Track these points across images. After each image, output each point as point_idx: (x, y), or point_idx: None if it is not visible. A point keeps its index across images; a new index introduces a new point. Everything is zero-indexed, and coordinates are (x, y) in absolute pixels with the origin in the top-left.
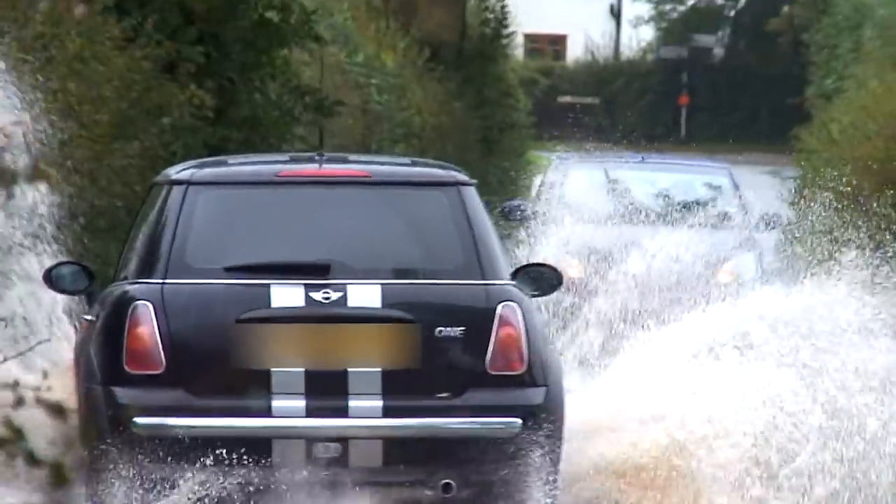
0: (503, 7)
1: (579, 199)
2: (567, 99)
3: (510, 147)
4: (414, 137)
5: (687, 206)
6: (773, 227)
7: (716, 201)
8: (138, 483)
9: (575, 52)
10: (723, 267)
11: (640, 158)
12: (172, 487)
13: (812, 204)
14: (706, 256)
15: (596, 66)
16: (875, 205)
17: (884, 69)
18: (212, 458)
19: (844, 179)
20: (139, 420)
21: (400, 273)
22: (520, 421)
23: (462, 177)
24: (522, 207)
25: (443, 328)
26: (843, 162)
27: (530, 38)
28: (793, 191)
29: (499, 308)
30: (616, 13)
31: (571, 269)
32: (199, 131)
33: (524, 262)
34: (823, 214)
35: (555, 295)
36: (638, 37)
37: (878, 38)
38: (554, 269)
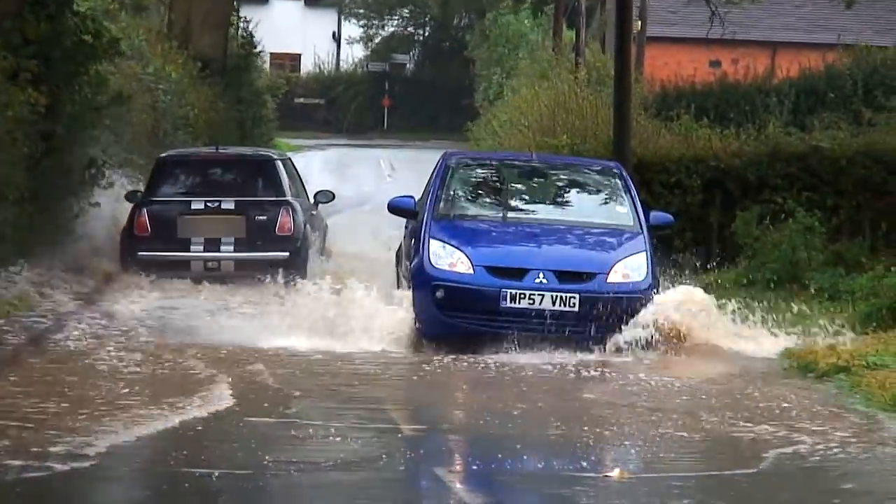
0: (252, 34)
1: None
2: (301, 100)
3: (260, 135)
4: (190, 127)
5: (572, 207)
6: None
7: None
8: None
9: (307, 66)
10: (614, 267)
11: (530, 157)
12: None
13: None
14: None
15: (322, 76)
16: None
17: (531, 80)
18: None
19: None
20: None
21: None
22: (287, 254)
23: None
24: None
25: (257, 216)
26: (503, 147)
27: (275, 56)
28: None
29: (282, 207)
30: (336, 38)
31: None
32: (34, 123)
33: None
34: None
35: None
36: (353, 55)
37: (528, 58)
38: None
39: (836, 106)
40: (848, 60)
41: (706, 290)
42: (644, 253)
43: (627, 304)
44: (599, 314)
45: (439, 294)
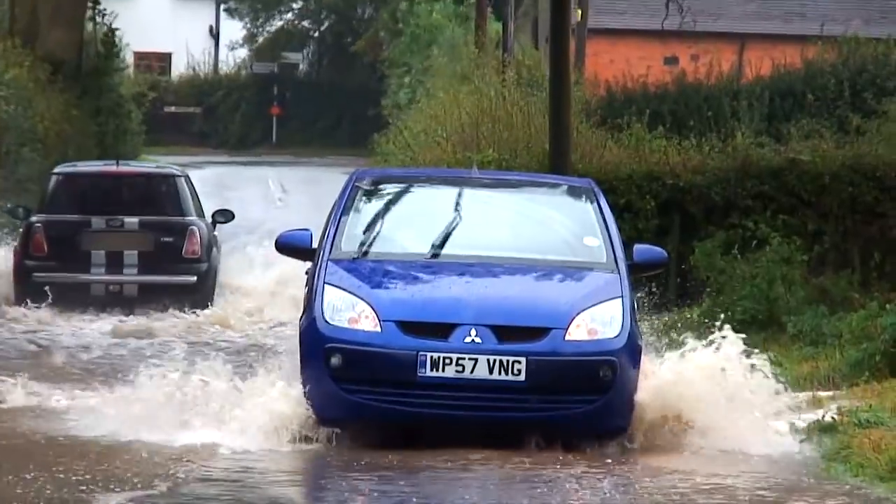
0: (113, 29)
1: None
2: (172, 109)
3: (124, 152)
4: (39, 143)
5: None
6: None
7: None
8: None
9: (179, 67)
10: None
11: (469, 174)
12: None
13: None
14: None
15: (197, 80)
16: None
17: (450, 83)
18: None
19: None
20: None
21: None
22: (195, 278)
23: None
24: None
25: (162, 237)
26: (417, 164)
27: (140, 56)
28: None
29: (189, 228)
30: (214, 34)
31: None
32: None
33: None
34: None
35: None
36: (235, 54)
37: (445, 56)
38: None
39: (817, 111)
40: (831, 56)
41: (664, 332)
42: (619, 300)
43: (593, 371)
44: (555, 386)
45: (335, 361)
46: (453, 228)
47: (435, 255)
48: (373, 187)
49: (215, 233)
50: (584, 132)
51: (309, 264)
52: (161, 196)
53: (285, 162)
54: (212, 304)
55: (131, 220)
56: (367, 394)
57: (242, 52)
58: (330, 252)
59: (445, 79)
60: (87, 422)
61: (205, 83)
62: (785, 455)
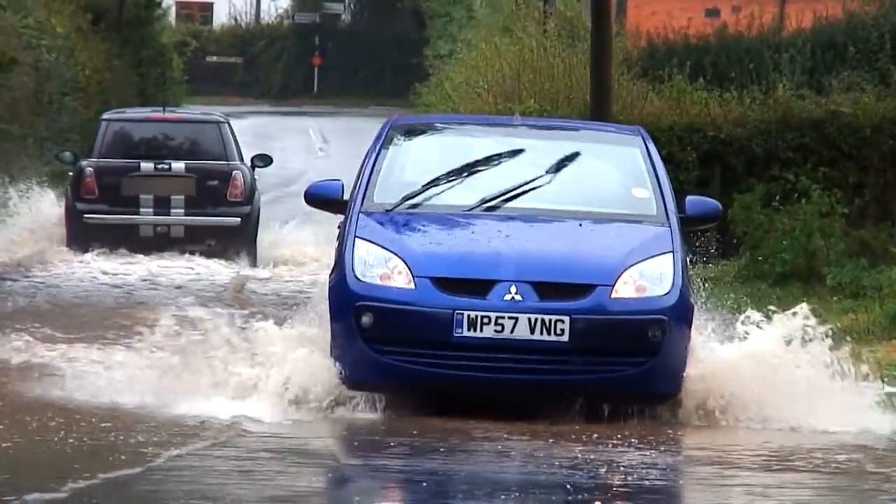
0: None
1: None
2: (213, 59)
3: (164, 100)
4: (81, 92)
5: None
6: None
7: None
8: None
9: (220, 17)
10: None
11: (511, 120)
12: None
13: None
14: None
15: (239, 30)
16: None
17: (491, 34)
18: None
19: None
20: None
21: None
22: (239, 220)
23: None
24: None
25: (207, 180)
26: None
27: (181, 5)
28: None
29: (233, 172)
30: None
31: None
32: None
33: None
34: None
35: None
36: (276, 4)
37: (486, 6)
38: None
39: (858, 63)
40: (872, 8)
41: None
42: (669, 255)
43: (641, 331)
44: (600, 347)
45: (366, 320)
46: (493, 178)
47: (473, 207)
48: (408, 135)
49: (255, 177)
50: (626, 84)
51: (341, 217)
52: (205, 141)
53: (326, 112)
54: (255, 247)
55: (178, 165)
56: (399, 355)
57: (284, 2)
58: (362, 204)
59: (486, 29)
60: (101, 383)
61: (246, 33)
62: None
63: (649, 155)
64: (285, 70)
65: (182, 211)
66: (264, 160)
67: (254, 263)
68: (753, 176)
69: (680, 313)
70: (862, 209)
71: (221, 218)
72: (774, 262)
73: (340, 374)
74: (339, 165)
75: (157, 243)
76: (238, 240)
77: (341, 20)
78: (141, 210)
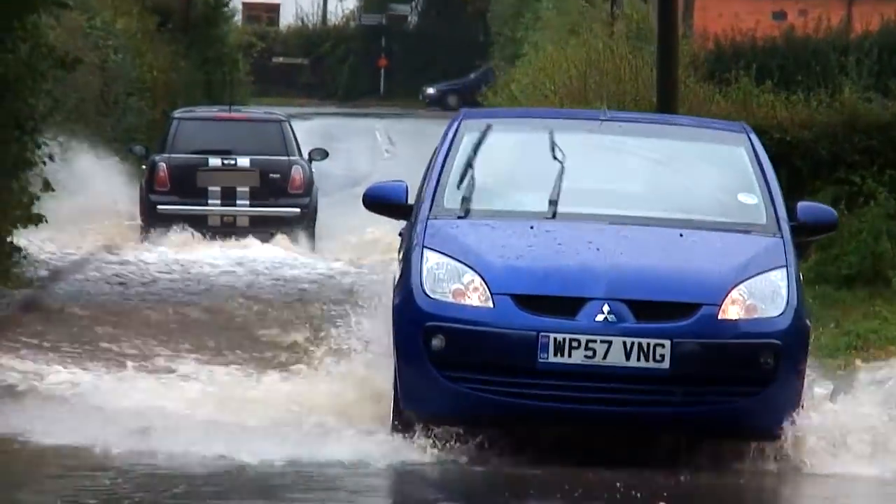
0: None
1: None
2: (280, 60)
3: (231, 101)
4: (147, 91)
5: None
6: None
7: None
8: None
9: (287, 18)
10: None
11: (599, 115)
12: None
13: None
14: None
15: (305, 31)
16: None
17: (559, 36)
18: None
19: None
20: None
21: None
22: (299, 210)
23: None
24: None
25: (270, 174)
26: None
27: (248, 7)
28: None
29: (293, 166)
30: None
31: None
32: None
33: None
34: None
35: None
36: (343, 5)
37: (554, 9)
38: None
39: None
40: None
41: None
42: (783, 269)
43: (753, 356)
44: (705, 375)
45: (437, 343)
46: (580, 181)
47: (558, 214)
48: (483, 131)
49: (313, 170)
50: (692, 86)
51: (404, 224)
52: (268, 138)
53: (392, 114)
54: (314, 233)
55: (243, 160)
56: (475, 383)
57: (351, 3)
58: (430, 209)
59: (553, 32)
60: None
61: (313, 34)
62: None
63: (756, 155)
64: (351, 71)
65: (247, 202)
66: (321, 153)
67: (312, 249)
68: (819, 179)
69: (795, 337)
70: None
71: (283, 209)
72: (840, 264)
73: (402, 401)
74: (406, 167)
75: (224, 232)
76: (298, 228)
77: (408, 22)
78: (209, 201)
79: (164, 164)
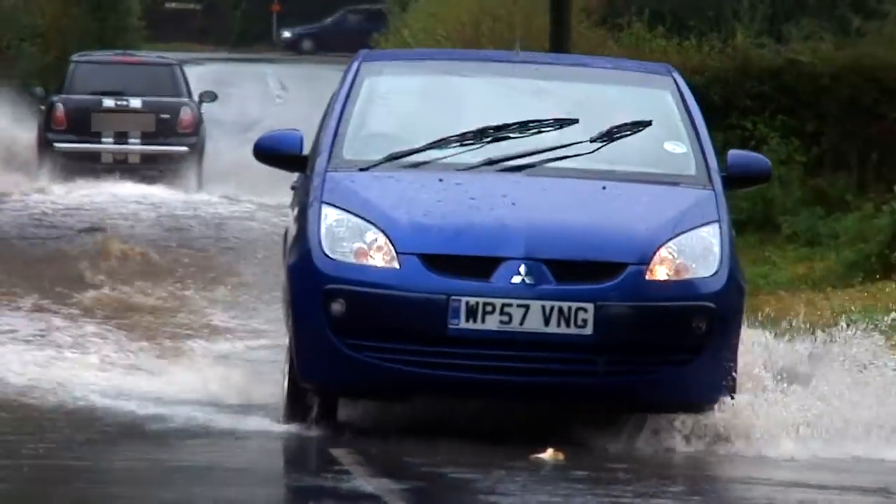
0: None
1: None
2: (172, 5)
3: (123, 47)
4: (39, 38)
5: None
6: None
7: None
8: None
9: None
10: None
11: (512, 56)
12: None
13: None
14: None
15: None
16: None
17: None
18: None
19: None
20: None
21: None
22: (187, 148)
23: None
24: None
25: (161, 114)
26: None
27: None
28: None
29: (182, 107)
30: None
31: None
32: None
33: None
34: None
35: None
36: None
37: None
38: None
39: (818, 12)
40: None
41: None
42: (715, 225)
43: (684, 321)
44: (632, 342)
45: (337, 308)
46: (494, 129)
47: (470, 166)
48: (384, 74)
49: (202, 111)
50: (584, 32)
51: (297, 176)
52: (160, 81)
53: (285, 59)
54: (202, 168)
55: (135, 101)
56: (379, 352)
57: None
58: (328, 161)
59: None
60: None
61: None
62: None
63: (683, 100)
64: (244, 17)
65: (138, 141)
66: (210, 96)
67: (200, 187)
68: (712, 124)
69: (729, 299)
70: (819, 157)
71: (172, 147)
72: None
73: (297, 368)
74: (299, 113)
75: (116, 169)
76: (186, 165)
77: None
78: (103, 140)
79: (62, 105)
